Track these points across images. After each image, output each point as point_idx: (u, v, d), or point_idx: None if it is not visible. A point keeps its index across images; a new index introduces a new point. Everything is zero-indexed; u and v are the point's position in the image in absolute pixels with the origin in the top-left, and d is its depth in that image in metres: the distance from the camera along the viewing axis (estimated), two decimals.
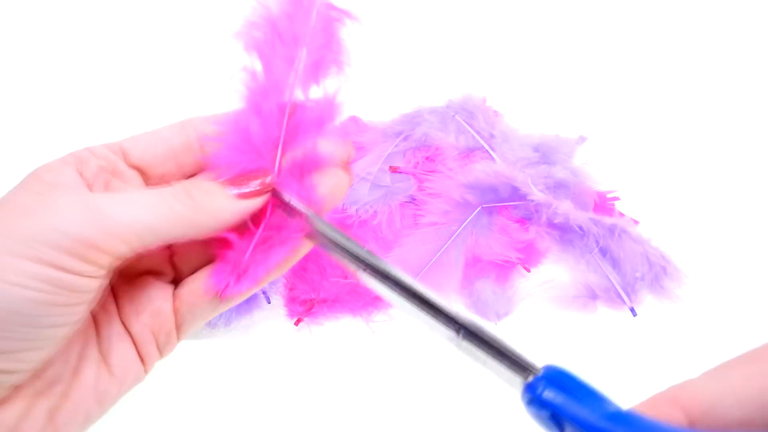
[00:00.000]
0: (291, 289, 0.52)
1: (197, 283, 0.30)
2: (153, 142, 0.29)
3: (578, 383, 0.23)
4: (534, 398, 0.23)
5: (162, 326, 0.29)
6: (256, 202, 0.28)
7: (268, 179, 0.28)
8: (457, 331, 0.25)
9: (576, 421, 0.21)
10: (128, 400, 0.47)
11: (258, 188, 0.28)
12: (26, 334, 0.23)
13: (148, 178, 0.30)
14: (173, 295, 0.30)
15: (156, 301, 0.29)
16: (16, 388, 0.25)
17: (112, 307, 0.29)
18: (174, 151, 0.29)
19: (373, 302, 0.52)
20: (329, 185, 0.30)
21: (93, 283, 0.24)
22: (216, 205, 0.26)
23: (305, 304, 0.51)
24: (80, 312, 0.25)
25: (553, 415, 0.22)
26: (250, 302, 0.52)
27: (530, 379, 0.24)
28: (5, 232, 0.22)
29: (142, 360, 0.29)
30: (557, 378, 0.23)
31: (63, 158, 0.27)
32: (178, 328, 0.30)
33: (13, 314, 0.22)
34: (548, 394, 0.22)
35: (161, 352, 0.30)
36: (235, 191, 0.27)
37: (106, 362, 0.28)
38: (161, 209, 0.25)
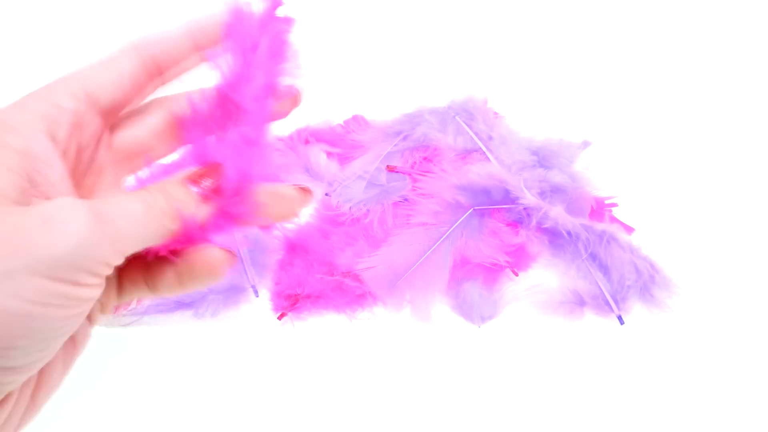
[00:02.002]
0: (277, 284, 0.53)
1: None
2: (118, 81, 0.28)
3: None
4: None
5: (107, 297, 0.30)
6: (215, 204, 0.28)
7: (221, 176, 0.29)
8: None
9: None
10: (117, 389, 0.49)
11: (214, 187, 0.28)
12: (45, 346, 0.24)
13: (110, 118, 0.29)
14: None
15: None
16: None
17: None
18: (135, 83, 0.28)
19: (358, 300, 0.52)
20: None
21: (99, 291, 0.25)
22: (189, 214, 0.27)
23: (290, 299, 0.51)
24: (85, 315, 0.25)
25: None
26: (238, 294, 0.53)
27: None
28: (23, 251, 0.22)
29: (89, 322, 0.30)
30: None
31: (31, 112, 0.25)
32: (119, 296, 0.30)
33: (36, 331, 0.23)
34: None
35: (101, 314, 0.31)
36: (198, 190, 0.28)
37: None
38: (154, 223, 0.25)
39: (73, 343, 0.29)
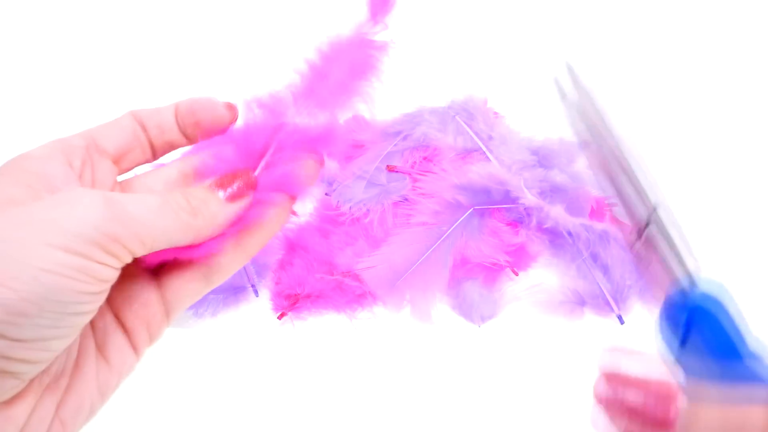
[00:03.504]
0: (277, 284, 0.53)
1: (180, 270, 0.31)
2: (120, 132, 0.31)
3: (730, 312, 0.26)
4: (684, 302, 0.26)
5: (152, 315, 0.30)
6: (244, 202, 0.30)
7: (252, 176, 0.31)
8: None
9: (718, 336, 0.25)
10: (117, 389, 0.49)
11: (243, 187, 0.30)
12: (56, 321, 0.24)
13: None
14: (159, 283, 0.31)
15: (144, 291, 0.30)
16: (27, 383, 0.26)
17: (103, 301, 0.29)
18: (135, 135, 0.31)
19: (358, 299, 0.52)
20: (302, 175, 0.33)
21: (114, 274, 0.26)
22: (211, 211, 0.28)
23: (290, 299, 0.51)
24: (101, 301, 0.26)
25: (693, 324, 0.25)
26: (237, 294, 0.53)
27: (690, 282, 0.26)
28: (36, 223, 0.23)
29: (134, 349, 0.30)
30: (715, 294, 0.26)
31: (49, 146, 0.28)
32: (167, 314, 0.31)
33: (45, 300, 0.23)
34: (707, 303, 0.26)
35: (151, 339, 0.31)
36: (223, 194, 0.29)
37: (103, 354, 0.29)
38: (170, 215, 0.26)
39: (108, 366, 0.29)
